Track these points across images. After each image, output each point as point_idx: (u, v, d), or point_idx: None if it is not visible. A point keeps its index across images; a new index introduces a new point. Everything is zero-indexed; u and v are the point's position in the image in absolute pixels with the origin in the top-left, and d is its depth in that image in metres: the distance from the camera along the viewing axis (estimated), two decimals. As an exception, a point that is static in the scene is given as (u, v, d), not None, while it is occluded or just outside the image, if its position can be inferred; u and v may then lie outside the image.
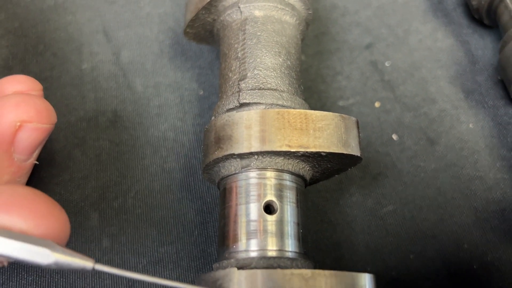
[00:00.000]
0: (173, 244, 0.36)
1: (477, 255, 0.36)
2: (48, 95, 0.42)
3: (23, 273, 0.35)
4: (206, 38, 0.38)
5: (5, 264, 0.26)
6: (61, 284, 0.34)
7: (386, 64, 0.44)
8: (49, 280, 0.35)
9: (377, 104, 0.42)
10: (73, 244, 0.36)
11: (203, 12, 0.34)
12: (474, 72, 0.44)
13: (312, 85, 0.43)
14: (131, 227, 0.37)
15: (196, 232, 0.37)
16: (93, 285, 0.35)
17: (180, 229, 0.37)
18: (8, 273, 0.35)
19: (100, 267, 0.24)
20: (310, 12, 0.36)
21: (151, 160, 0.39)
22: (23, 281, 0.35)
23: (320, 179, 0.33)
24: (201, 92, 0.43)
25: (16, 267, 0.35)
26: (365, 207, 0.38)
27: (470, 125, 0.41)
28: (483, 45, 0.45)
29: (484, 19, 0.44)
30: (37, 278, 0.35)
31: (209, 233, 0.37)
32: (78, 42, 0.45)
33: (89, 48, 0.45)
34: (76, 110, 0.42)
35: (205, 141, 0.30)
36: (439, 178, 0.39)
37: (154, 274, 0.35)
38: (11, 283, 0.35)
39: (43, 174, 0.38)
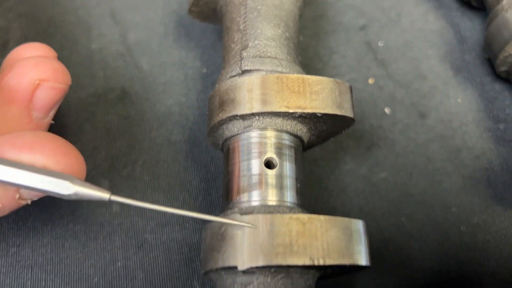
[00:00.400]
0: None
1: (464, 218, 0.38)
2: (59, 73, 0.44)
3: (38, 235, 0.37)
4: (209, 16, 0.40)
5: (29, 201, 0.29)
6: (75, 245, 0.37)
7: (380, 44, 0.47)
8: (63, 242, 0.37)
9: (370, 81, 0.44)
10: (85, 208, 0.38)
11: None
12: (462, 51, 0.46)
13: (310, 64, 0.45)
14: (139, 194, 0.39)
15: (201, 198, 0.39)
16: (104, 245, 0.37)
17: (185, 195, 0.39)
18: (24, 234, 0.37)
19: (115, 198, 0.26)
20: None
21: (157, 132, 0.42)
22: (38, 243, 0.37)
23: (317, 142, 0.35)
24: (204, 70, 0.45)
25: (31, 229, 0.37)
26: (359, 175, 0.40)
27: (459, 100, 0.44)
28: (471, 27, 0.48)
29: (472, 1, 0.46)
30: (52, 240, 0.37)
31: (213, 198, 0.39)
32: (87, 24, 0.48)
33: (98, 30, 0.47)
34: (86, 87, 0.44)
35: (210, 106, 0.33)
36: (429, 148, 0.41)
37: (161, 236, 0.37)
38: (27, 244, 0.37)
39: (56, 146, 0.41)
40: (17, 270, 0.36)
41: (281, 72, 0.32)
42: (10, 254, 0.37)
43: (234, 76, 0.32)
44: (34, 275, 0.36)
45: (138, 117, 0.43)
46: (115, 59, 0.46)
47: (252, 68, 0.32)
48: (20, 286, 0.36)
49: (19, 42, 0.46)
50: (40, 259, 0.36)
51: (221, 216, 0.29)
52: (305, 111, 0.30)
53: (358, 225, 0.29)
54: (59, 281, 0.36)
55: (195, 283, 0.36)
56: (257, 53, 0.32)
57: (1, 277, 0.36)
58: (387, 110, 0.43)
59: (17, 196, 0.28)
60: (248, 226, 0.27)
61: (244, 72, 0.32)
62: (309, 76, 0.31)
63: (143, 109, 0.43)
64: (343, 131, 0.34)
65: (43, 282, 0.36)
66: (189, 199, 0.39)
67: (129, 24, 0.48)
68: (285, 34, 0.34)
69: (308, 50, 0.46)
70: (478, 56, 0.46)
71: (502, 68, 0.41)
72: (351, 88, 0.33)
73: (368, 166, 0.40)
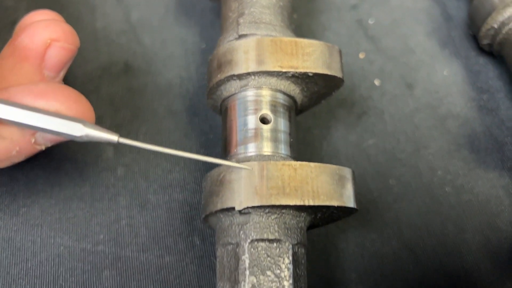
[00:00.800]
0: (180, 172, 0.41)
1: (449, 180, 0.41)
2: (66, 48, 0.46)
3: (47, 197, 0.39)
4: None
5: (43, 147, 0.31)
6: (81, 206, 0.39)
7: (370, 21, 0.49)
8: (70, 203, 0.39)
9: (361, 55, 0.47)
10: (91, 171, 0.41)
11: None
12: (449, 28, 0.49)
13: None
14: (143, 159, 0.41)
15: (201, 163, 0.41)
16: (109, 205, 0.39)
17: (186, 160, 0.41)
18: (34, 196, 0.39)
19: (124, 140, 0.28)
20: None
21: (159, 103, 0.44)
22: (47, 203, 0.39)
23: (309, 105, 0.37)
24: (204, 46, 0.47)
25: (41, 191, 0.40)
26: (349, 141, 0.42)
27: (445, 73, 0.46)
28: (457, 5, 0.50)
29: (457, -20, 0.49)
30: (60, 201, 0.39)
31: (212, 163, 0.41)
32: (91, 4, 0.50)
33: (102, 9, 0.50)
34: (91, 62, 0.46)
35: (209, 69, 0.35)
36: (416, 116, 0.43)
37: (163, 197, 0.40)
38: (36, 205, 0.39)
39: (63, 115, 0.43)
40: (27, 228, 0.38)
41: (275, 36, 0.34)
42: (21, 214, 0.39)
43: (231, 40, 0.35)
44: (44, 232, 0.38)
45: (141, 89, 0.45)
46: (119, 36, 0.48)
47: (248, 33, 0.34)
48: (30, 243, 0.38)
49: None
50: (49, 218, 0.39)
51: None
52: (298, 70, 0.32)
53: (346, 172, 0.31)
54: (67, 238, 0.38)
55: (195, 239, 0.38)
56: (253, 19, 0.35)
57: (13, 235, 0.38)
58: (376, 82, 0.45)
59: (33, 140, 0.30)
60: (244, 168, 0.29)
61: (240, 36, 0.34)
62: (301, 39, 0.33)
63: (145, 82, 0.45)
64: (332, 93, 0.36)
65: (52, 239, 0.38)
66: (190, 164, 0.41)
67: (131, 3, 0.50)
68: (279, 3, 0.37)
69: (302, 28, 0.49)
70: (464, 32, 0.48)
71: (485, 41, 0.44)
72: (340, 51, 0.35)
73: (358, 133, 0.43)
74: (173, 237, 0.38)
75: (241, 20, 0.35)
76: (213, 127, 0.43)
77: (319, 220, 0.32)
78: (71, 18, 0.49)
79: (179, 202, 0.39)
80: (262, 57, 0.32)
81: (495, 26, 0.42)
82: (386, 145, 0.42)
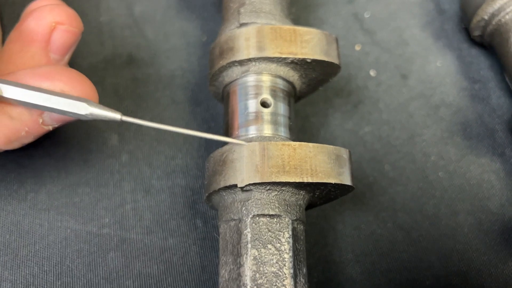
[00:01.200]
0: (183, 159, 0.42)
1: (442, 165, 0.42)
2: (71, 41, 0.48)
3: (53, 183, 0.41)
4: None
5: (51, 127, 0.33)
6: (87, 191, 0.40)
7: (366, 15, 0.51)
8: (76, 188, 0.41)
9: (357, 47, 0.48)
10: (96, 158, 0.42)
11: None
12: (442, 21, 0.50)
13: (301, 33, 0.49)
14: (146, 146, 0.43)
15: (202, 150, 0.43)
16: (114, 190, 0.41)
17: (188, 147, 0.43)
18: (40, 182, 0.41)
19: (126, 118, 0.30)
20: None
21: (162, 93, 0.46)
22: (54, 189, 0.40)
23: (307, 91, 0.39)
24: (205, 38, 0.49)
25: (47, 177, 0.41)
26: (346, 129, 0.44)
27: (438, 64, 0.47)
28: (450, 0, 0.52)
29: (450, -25, 0.51)
30: (66, 186, 0.41)
31: (213, 150, 0.43)
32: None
33: (106, 4, 0.51)
34: (96, 54, 0.48)
35: (211, 57, 0.37)
36: (410, 105, 0.45)
37: (167, 182, 0.41)
38: (43, 190, 0.40)
39: (69, 105, 0.44)
40: (35, 212, 0.40)
41: (275, 25, 0.36)
42: (28, 199, 0.40)
43: (232, 29, 0.36)
44: (51, 216, 0.40)
45: (144, 80, 0.46)
46: (122, 30, 0.49)
47: (249, 21, 0.36)
48: (38, 226, 0.39)
49: (33, 14, 0.50)
50: (55, 203, 0.40)
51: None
52: (296, 56, 0.34)
53: (343, 152, 0.32)
54: (73, 222, 0.39)
55: (198, 222, 0.39)
56: (253, 9, 0.36)
57: (21, 219, 0.39)
58: (372, 73, 0.47)
59: (41, 120, 0.31)
60: (242, 144, 0.31)
61: (241, 25, 0.36)
62: (300, 27, 0.35)
63: (149, 73, 0.47)
64: (329, 79, 0.38)
65: (59, 223, 0.39)
66: (192, 151, 0.43)
67: (134, -1, 0.52)
68: None
69: (300, 21, 0.50)
70: (456, 25, 0.50)
71: (476, 33, 0.45)
72: (337, 39, 0.36)
73: (354, 121, 0.44)
74: (176, 220, 0.39)
75: (242, 10, 0.36)
76: (214, 116, 0.44)
77: (317, 198, 0.33)
78: (76, 10, 0.51)
79: (181, 187, 0.41)
80: (262, 44, 0.34)
81: (485, 17, 0.43)
82: (382, 132, 0.44)
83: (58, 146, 0.42)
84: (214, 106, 0.45)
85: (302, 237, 0.31)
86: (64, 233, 0.39)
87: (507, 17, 0.42)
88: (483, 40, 0.46)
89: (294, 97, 0.37)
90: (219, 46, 0.35)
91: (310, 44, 0.34)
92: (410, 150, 0.43)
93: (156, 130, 0.43)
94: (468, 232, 0.39)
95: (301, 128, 0.44)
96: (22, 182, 0.41)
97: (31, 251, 0.38)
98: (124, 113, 0.44)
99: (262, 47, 0.34)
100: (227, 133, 0.35)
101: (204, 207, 0.40)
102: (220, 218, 0.32)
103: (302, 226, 0.32)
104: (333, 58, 0.35)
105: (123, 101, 0.45)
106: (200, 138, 0.43)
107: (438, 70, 0.47)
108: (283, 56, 0.34)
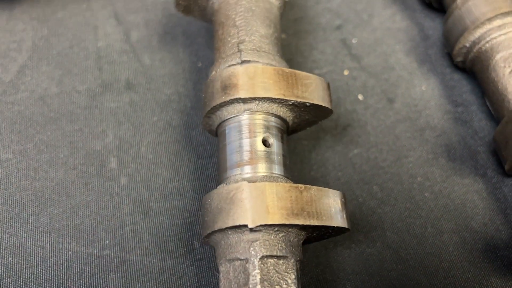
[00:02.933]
0: (179, 181, 0.44)
1: (428, 186, 0.44)
2: (70, 67, 0.50)
3: (55, 205, 0.42)
4: (194, 11, 0.45)
5: None
6: (87, 213, 0.42)
7: (353, 41, 0.53)
8: (77, 210, 0.42)
9: (345, 72, 0.51)
10: (96, 181, 0.43)
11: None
12: (426, 47, 0.53)
13: (292, 58, 0.51)
14: (144, 169, 0.44)
15: (199, 172, 0.44)
16: (113, 212, 0.42)
17: (185, 169, 0.44)
18: (42, 205, 0.42)
19: None
20: None
21: (159, 117, 0.47)
22: (55, 211, 0.42)
23: (296, 130, 0.41)
24: (199, 64, 0.51)
25: (48, 200, 0.42)
26: (336, 151, 0.46)
27: (423, 88, 0.50)
28: (433, 26, 0.54)
29: (433, 3, 0.53)
30: (67, 209, 0.42)
31: (209, 172, 0.44)
32: (93, 25, 0.53)
33: (103, 30, 0.53)
34: (95, 79, 0.49)
35: (209, 90, 0.37)
36: (396, 128, 0.47)
37: (164, 204, 0.43)
38: (45, 213, 0.42)
39: (67, 129, 0.46)
40: (37, 235, 0.41)
41: (276, 66, 0.38)
42: (30, 221, 0.41)
43: (233, 64, 0.37)
44: (52, 239, 0.41)
45: (141, 104, 0.48)
46: (120, 55, 0.51)
47: (251, 59, 0.37)
48: (40, 248, 0.40)
49: (33, 41, 0.52)
50: (57, 225, 0.41)
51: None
52: (298, 100, 0.36)
53: (341, 195, 0.34)
54: (74, 244, 0.41)
55: (195, 243, 0.41)
56: (254, 47, 0.38)
57: (23, 241, 0.41)
58: (360, 97, 0.49)
59: None
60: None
61: (243, 62, 0.37)
62: (300, 72, 0.37)
63: (146, 98, 0.48)
64: (319, 121, 0.40)
65: (60, 245, 0.41)
66: (188, 173, 0.44)
67: (131, 25, 0.53)
68: (275, 34, 0.40)
69: (291, 47, 0.52)
70: (440, 50, 0.52)
71: (458, 59, 0.48)
72: (329, 85, 0.39)
73: (344, 143, 0.46)
74: (174, 242, 0.41)
75: (242, 47, 0.38)
76: (209, 139, 0.46)
77: (313, 237, 0.35)
78: (74, 38, 0.52)
79: (179, 209, 0.42)
80: (267, 84, 0.35)
81: (467, 45, 0.46)
82: (370, 154, 0.46)
83: (57, 170, 0.44)
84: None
85: (300, 275, 0.33)
86: (65, 255, 0.40)
87: (487, 45, 0.44)
88: (465, 66, 0.48)
89: (286, 135, 0.39)
90: (221, 81, 0.37)
91: (309, 88, 0.36)
92: (397, 171, 0.45)
93: (153, 154, 0.45)
94: (453, 250, 0.41)
95: (294, 150, 0.46)
96: (24, 205, 0.42)
97: (34, 273, 0.39)
98: (123, 136, 0.46)
99: (267, 88, 0.35)
100: (225, 170, 0.36)
101: (201, 242, 0.41)
102: (222, 256, 0.33)
103: (299, 265, 0.34)
104: (328, 104, 0.37)
105: (122, 125, 0.47)
106: (197, 158, 0.45)
107: (423, 94, 0.49)
108: (287, 98, 0.36)
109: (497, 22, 0.44)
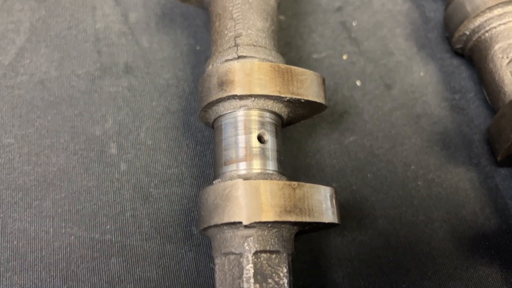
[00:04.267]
0: (178, 167, 0.45)
1: (421, 174, 0.45)
2: (68, 50, 0.50)
3: (57, 190, 0.43)
4: (194, 1, 0.45)
5: None
6: (89, 198, 0.43)
7: (353, 24, 0.52)
8: (78, 196, 0.43)
9: (344, 57, 0.51)
10: (96, 167, 0.44)
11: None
12: (426, 30, 0.52)
13: (291, 41, 0.51)
14: (144, 155, 0.45)
15: (197, 158, 0.45)
16: (114, 198, 0.43)
17: (183, 156, 0.45)
18: (44, 190, 0.43)
19: None
20: None
21: (158, 102, 0.48)
22: (57, 197, 0.43)
23: (290, 123, 0.42)
24: (198, 47, 0.51)
25: (51, 185, 0.43)
26: (332, 138, 0.46)
27: (421, 74, 0.50)
28: (435, 7, 0.54)
29: (435, -15, 0.52)
30: (69, 194, 0.43)
31: (207, 159, 0.45)
32: (91, 5, 0.53)
33: (102, 11, 0.53)
34: (94, 62, 0.49)
35: (206, 85, 0.38)
36: (393, 115, 0.48)
37: (163, 190, 0.44)
38: (47, 198, 0.43)
39: (67, 114, 0.47)
40: (40, 219, 0.42)
41: (272, 61, 0.38)
42: (33, 206, 0.43)
43: (230, 60, 0.38)
44: (55, 223, 0.42)
45: (140, 89, 0.48)
46: (118, 37, 0.51)
47: (247, 55, 0.37)
48: (43, 233, 0.42)
49: (31, 22, 0.51)
50: (59, 210, 0.43)
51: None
52: (293, 96, 0.36)
53: (333, 191, 0.36)
54: (76, 228, 0.42)
55: (193, 229, 0.42)
56: (251, 41, 0.38)
57: (27, 226, 0.42)
58: (358, 83, 0.49)
59: None
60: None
61: (239, 57, 0.37)
62: (295, 68, 0.37)
63: (145, 82, 0.49)
64: (313, 116, 0.41)
65: (63, 229, 0.42)
66: (187, 159, 0.45)
67: (129, 5, 0.53)
68: (272, 27, 0.40)
69: (290, 29, 0.52)
70: (440, 34, 0.52)
71: (458, 46, 0.48)
72: (324, 80, 0.39)
73: (340, 130, 0.47)
74: (173, 227, 0.42)
75: (239, 41, 0.38)
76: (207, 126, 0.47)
77: (305, 230, 0.37)
78: (73, 19, 0.52)
79: (177, 195, 0.44)
80: (263, 81, 0.36)
81: (467, 33, 0.45)
82: (365, 142, 0.46)
83: (59, 155, 0.45)
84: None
85: (291, 268, 0.35)
86: (68, 240, 0.42)
87: (486, 34, 0.44)
88: (464, 53, 0.48)
89: (281, 130, 0.40)
90: (217, 76, 0.37)
91: (304, 84, 0.37)
92: (391, 159, 0.46)
93: (152, 140, 0.46)
94: (443, 238, 0.43)
95: (290, 137, 0.46)
96: (27, 190, 0.43)
97: (38, 257, 0.41)
98: (123, 122, 0.47)
99: (263, 85, 0.36)
100: (221, 166, 0.37)
101: (198, 233, 0.42)
102: (217, 250, 0.35)
103: (291, 258, 0.35)
104: (323, 100, 0.38)
105: (121, 110, 0.47)
106: (195, 145, 0.46)
107: (421, 80, 0.49)
108: (282, 95, 0.36)
109: (497, 11, 0.43)
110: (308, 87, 0.37)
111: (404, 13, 0.53)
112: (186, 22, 0.52)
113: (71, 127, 0.46)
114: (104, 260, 0.41)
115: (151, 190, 0.44)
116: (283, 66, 0.37)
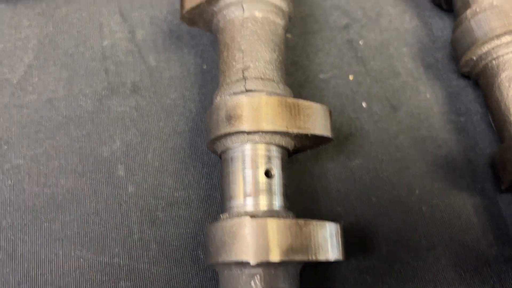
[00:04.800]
0: (185, 190, 0.45)
1: (426, 199, 0.46)
2: (76, 68, 0.50)
3: (66, 213, 0.44)
4: (199, 23, 0.45)
5: None
6: (97, 221, 0.44)
7: (360, 42, 0.52)
8: (87, 218, 0.44)
9: (351, 77, 0.51)
10: (104, 189, 0.45)
11: (205, 4, 0.42)
12: (433, 49, 0.52)
13: (298, 60, 0.51)
14: (151, 177, 0.46)
15: (204, 181, 0.46)
16: (122, 220, 0.44)
17: (190, 178, 0.46)
18: (54, 212, 0.44)
19: None
20: (292, 15, 0.44)
21: (165, 123, 0.48)
22: (66, 219, 0.44)
23: (296, 152, 0.42)
24: (205, 66, 0.51)
25: (60, 207, 0.44)
26: (337, 161, 0.47)
27: (427, 95, 0.50)
28: (442, 26, 0.54)
29: (443, 5, 0.52)
30: (78, 217, 0.44)
31: (214, 181, 0.46)
32: (98, 21, 0.53)
33: (108, 27, 0.53)
34: (101, 81, 0.50)
35: (214, 117, 0.38)
36: (398, 138, 0.48)
37: (171, 213, 0.44)
38: (57, 220, 0.44)
39: (75, 134, 0.47)
40: (50, 242, 0.43)
41: (279, 94, 0.38)
42: (43, 228, 0.44)
43: (238, 93, 0.38)
44: (65, 246, 0.43)
45: (147, 109, 0.49)
46: (125, 55, 0.51)
47: (255, 89, 0.38)
48: (53, 255, 0.43)
49: (38, 39, 0.52)
50: (69, 232, 0.43)
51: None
52: (300, 131, 0.37)
53: (338, 228, 0.36)
54: (85, 251, 0.43)
55: (199, 253, 0.43)
56: (258, 74, 0.38)
57: (37, 248, 0.43)
58: (364, 104, 0.49)
59: None
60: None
61: (247, 91, 0.38)
62: (302, 101, 0.37)
63: (152, 102, 0.49)
64: (319, 147, 0.41)
65: (73, 252, 0.43)
66: (193, 182, 0.46)
67: (136, 22, 0.53)
68: (279, 58, 0.40)
69: (296, 48, 0.52)
70: (447, 54, 0.52)
71: (465, 69, 0.48)
72: (331, 112, 0.39)
73: (345, 153, 0.47)
74: (180, 251, 0.43)
75: (246, 74, 0.38)
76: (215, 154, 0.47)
77: (310, 264, 0.37)
78: (80, 36, 0.52)
79: (184, 219, 0.44)
80: (271, 117, 0.36)
81: (474, 58, 0.45)
82: (370, 165, 0.47)
83: (67, 177, 0.45)
84: (214, 135, 0.47)
85: None
86: (77, 263, 0.43)
87: (493, 62, 0.44)
88: (471, 76, 0.48)
89: (287, 162, 0.40)
90: (226, 110, 0.37)
91: (311, 118, 0.37)
92: (396, 183, 0.46)
93: (159, 161, 0.46)
94: (446, 264, 0.43)
95: (295, 160, 0.47)
96: (37, 212, 0.44)
97: (48, 280, 0.42)
98: (130, 143, 0.47)
99: (271, 120, 0.36)
100: (228, 199, 0.37)
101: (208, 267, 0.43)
102: (224, 286, 0.35)
103: None
104: (329, 132, 0.38)
105: (129, 131, 0.48)
106: (202, 167, 0.46)
107: (427, 102, 0.50)
108: (289, 131, 0.36)
109: (505, 39, 0.43)
110: (315, 121, 0.37)
111: (411, 31, 0.53)
112: (193, 40, 0.52)
113: (79, 148, 0.47)
114: (113, 284, 0.42)
115: (158, 213, 0.44)
116: (290, 100, 0.37)
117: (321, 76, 0.51)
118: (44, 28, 0.53)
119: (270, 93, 0.38)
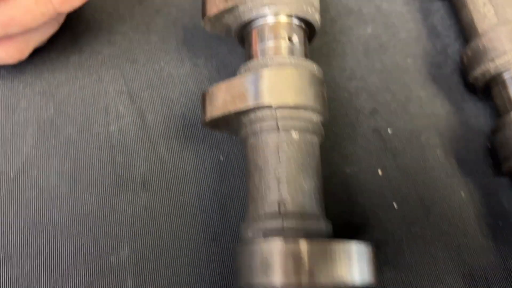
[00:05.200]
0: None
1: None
2: (80, 159, 0.46)
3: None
4: (222, 130, 0.42)
5: None
6: None
7: (389, 131, 0.48)
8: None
9: (380, 172, 0.47)
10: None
11: (233, 115, 0.38)
12: (467, 140, 0.49)
13: (322, 152, 0.47)
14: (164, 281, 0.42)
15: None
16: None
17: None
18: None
19: None
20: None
21: (176, 225, 0.44)
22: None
23: None
24: (221, 158, 0.47)
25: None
26: (368, 273, 0.43)
27: (462, 194, 0.46)
28: (476, 112, 0.50)
29: (478, 94, 0.48)
30: None
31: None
32: (104, 103, 0.49)
33: (115, 110, 0.48)
34: (108, 174, 0.45)
35: (247, 261, 0.34)
36: (433, 245, 0.44)
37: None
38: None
39: (80, 241, 0.43)
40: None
41: (320, 234, 0.35)
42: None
43: (274, 230, 0.34)
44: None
45: (159, 209, 0.44)
46: (135, 143, 0.47)
47: (293, 227, 0.34)
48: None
49: (39, 122, 0.47)
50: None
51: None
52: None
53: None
54: None
55: None
56: (296, 208, 0.35)
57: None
58: (395, 204, 0.45)
59: None
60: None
61: (285, 229, 0.34)
62: (337, 246, 0.33)
63: (164, 200, 0.45)
64: None
65: None
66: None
67: (146, 103, 0.48)
68: (317, 184, 0.36)
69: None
70: (482, 145, 0.48)
71: (507, 170, 0.44)
72: (375, 253, 0.36)
73: (377, 263, 0.43)
74: None
75: (283, 209, 0.34)
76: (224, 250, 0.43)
77: None
78: (84, 120, 0.48)
79: None
80: (315, 267, 0.32)
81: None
82: (404, 277, 0.43)
83: (72, 292, 0.41)
84: (229, 240, 0.43)
85: None
86: None
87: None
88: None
89: None
90: (260, 254, 0.33)
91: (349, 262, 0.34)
92: (431, 295, 0.42)
93: (170, 271, 0.42)
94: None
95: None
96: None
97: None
98: (140, 249, 0.43)
99: (315, 274, 0.32)
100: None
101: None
102: None
103: None
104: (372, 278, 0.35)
105: (139, 234, 0.43)
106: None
107: (462, 202, 0.46)
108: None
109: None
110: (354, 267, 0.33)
111: (444, 118, 0.50)
112: (207, 130, 0.48)
113: (83, 254, 0.42)
114: None
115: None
116: (334, 245, 0.33)
117: (348, 170, 0.47)
118: (44, 110, 0.48)
119: (309, 233, 0.34)
